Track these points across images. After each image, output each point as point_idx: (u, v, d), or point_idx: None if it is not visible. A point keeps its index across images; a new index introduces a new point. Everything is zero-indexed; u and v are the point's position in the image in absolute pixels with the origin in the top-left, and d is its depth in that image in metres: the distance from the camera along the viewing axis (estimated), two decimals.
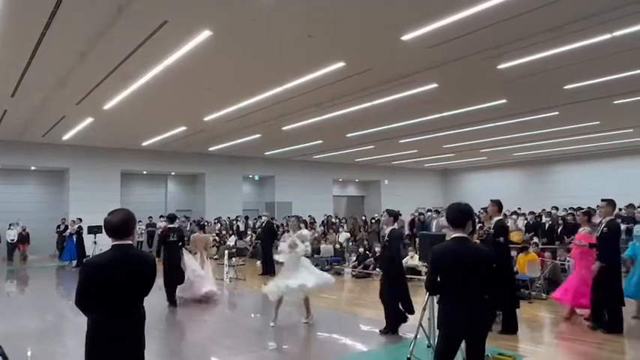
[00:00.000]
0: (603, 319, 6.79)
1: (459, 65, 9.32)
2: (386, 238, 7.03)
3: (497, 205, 6.89)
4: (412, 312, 6.79)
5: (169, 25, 7.36)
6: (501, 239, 6.56)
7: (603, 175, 21.82)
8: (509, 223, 15.01)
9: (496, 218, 6.76)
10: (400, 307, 6.79)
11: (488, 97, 12.09)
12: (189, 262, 9.91)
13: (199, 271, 9.90)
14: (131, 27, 7.49)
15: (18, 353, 4.86)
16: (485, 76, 10.27)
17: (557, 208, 16.91)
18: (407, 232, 17.49)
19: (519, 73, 9.79)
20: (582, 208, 11.89)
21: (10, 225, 18.51)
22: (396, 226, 7.15)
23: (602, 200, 7.12)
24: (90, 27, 7.55)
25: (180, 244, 9.74)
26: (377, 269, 11.17)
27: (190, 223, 20.84)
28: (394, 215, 7.08)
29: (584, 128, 16.45)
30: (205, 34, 7.68)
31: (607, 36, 7.85)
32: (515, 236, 13.98)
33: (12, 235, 18.61)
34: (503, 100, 12.41)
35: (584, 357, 6.01)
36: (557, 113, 13.80)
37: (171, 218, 10.15)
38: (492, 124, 15.24)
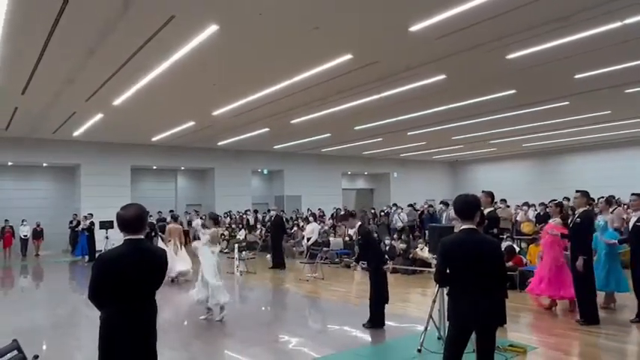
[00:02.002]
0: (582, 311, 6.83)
1: (467, 56, 9.24)
2: (358, 236, 7.31)
3: (490, 196, 6.94)
4: (387, 301, 6.96)
5: (176, 20, 7.37)
6: (495, 230, 6.58)
7: (614, 165, 21.61)
8: (520, 214, 14.94)
9: (488, 209, 6.73)
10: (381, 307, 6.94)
11: (498, 87, 11.99)
12: None
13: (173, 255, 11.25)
14: (138, 22, 7.52)
15: (33, 347, 4.93)
16: (494, 67, 10.19)
17: (568, 199, 16.76)
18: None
19: (529, 62, 9.70)
20: (594, 199, 11.80)
21: (22, 221, 18.76)
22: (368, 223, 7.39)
23: (577, 191, 7.11)
24: (97, 23, 7.60)
25: (153, 234, 12.28)
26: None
27: (201, 217, 21.00)
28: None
29: (594, 118, 16.27)
30: (212, 29, 7.69)
31: (618, 24, 7.74)
32: (525, 227, 13.93)
33: (25, 230, 18.89)
34: (513, 91, 12.30)
35: (595, 348, 5.98)
36: (567, 103, 13.66)
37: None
38: (502, 115, 15.13)
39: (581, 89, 12.10)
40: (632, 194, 7.29)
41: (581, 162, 23.55)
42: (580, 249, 6.72)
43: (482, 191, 6.96)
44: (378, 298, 6.89)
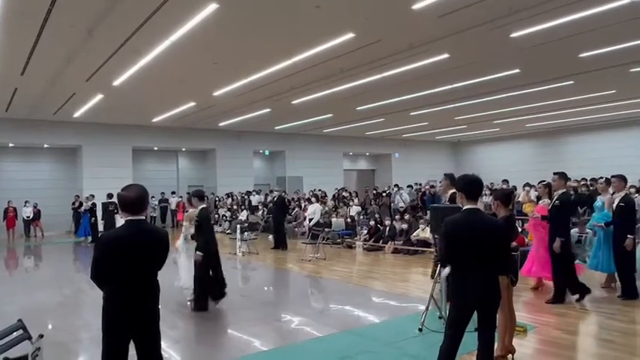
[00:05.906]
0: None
1: (470, 34, 9.12)
2: (196, 218, 7.03)
3: (450, 179, 6.97)
4: (216, 297, 7.06)
5: None
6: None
7: (618, 145, 21.51)
8: (522, 194, 14.91)
9: (451, 192, 6.73)
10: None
11: (501, 66, 11.86)
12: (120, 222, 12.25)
13: None
14: (137, 1, 7.40)
15: (38, 326, 4.98)
16: (498, 45, 10.06)
17: (569, 179, 16.66)
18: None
19: (533, 41, 9.57)
20: (595, 179, 11.74)
21: (25, 202, 18.83)
22: (205, 205, 7.13)
23: (554, 174, 7.00)
24: (96, 2, 7.49)
25: (116, 211, 14.07)
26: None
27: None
28: (198, 196, 7.13)
29: (599, 97, 16.13)
30: (212, 7, 7.58)
31: (625, 1, 7.60)
32: (527, 208, 13.90)
33: (27, 212, 18.97)
34: (517, 70, 12.17)
35: (596, 326, 6.02)
36: (572, 82, 13.53)
37: (110, 195, 14.91)
38: (505, 95, 15.00)
39: (586, 68, 11.97)
40: (612, 176, 7.28)
41: (585, 142, 23.42)
42: (558, 231, 6.72)
43: (445, 174, 7.08)
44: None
